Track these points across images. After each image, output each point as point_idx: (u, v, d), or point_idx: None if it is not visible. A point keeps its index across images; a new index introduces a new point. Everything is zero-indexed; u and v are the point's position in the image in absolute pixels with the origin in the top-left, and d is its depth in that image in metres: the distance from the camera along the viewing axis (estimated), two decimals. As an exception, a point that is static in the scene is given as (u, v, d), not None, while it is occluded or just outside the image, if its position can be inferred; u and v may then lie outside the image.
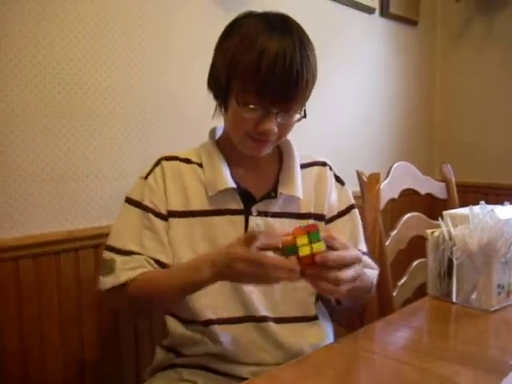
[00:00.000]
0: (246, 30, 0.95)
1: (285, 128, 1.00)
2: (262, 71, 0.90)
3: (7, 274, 1.20)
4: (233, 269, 0.82)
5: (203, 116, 1.09)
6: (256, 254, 0.80)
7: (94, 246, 1.34)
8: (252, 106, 0.94)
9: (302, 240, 0.79)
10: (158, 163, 1.07)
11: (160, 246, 1.02)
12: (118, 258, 1.00)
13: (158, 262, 1.02)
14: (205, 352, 1.02)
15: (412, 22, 2.52)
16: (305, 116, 1.00)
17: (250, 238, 0.82)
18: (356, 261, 0.84)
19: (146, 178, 1.06)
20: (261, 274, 0.80)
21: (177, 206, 1.04)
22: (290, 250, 0.79)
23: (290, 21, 0.98)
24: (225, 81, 0.96)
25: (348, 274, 0.81)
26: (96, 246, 1.34)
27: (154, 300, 1.00)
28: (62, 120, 1.29)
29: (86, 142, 1.33)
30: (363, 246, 1.13)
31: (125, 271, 0.98)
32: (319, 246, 0.79)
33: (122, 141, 1.41)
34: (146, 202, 1.04)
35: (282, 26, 0.95)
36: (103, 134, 1.37)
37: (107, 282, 1.00)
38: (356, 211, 1.15)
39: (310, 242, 0.79)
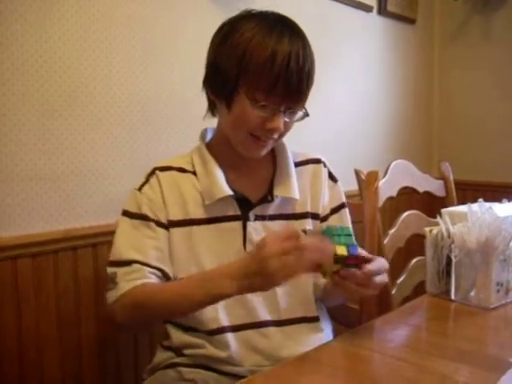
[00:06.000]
0: (255, 28, 0.94)
1: (288, 126, 1.00)
2: (276, 68, 0.91)
3: (5, 272, 1.20)
4: (264, 267, 0.81)
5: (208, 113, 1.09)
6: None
7: (92, 244, 1.34)
8: (263, 103, 0.94)
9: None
10: (152, 173, 1.05)
11: (164, 254, 1.01)
12: (119, 270, 0.99)
13: (162, 271, 1.01)
14: (206, 354, 1.02)
15: (410, 21, 2.52)
16: (307, 114, 1.00)
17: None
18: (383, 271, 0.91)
19: (140, 189, 1.04)
20: (293, 263, 0.81)
21: (176, 215, 1.03)
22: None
23: (292, 22, 1.00)
24: (234, 76, 0.94)
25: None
26: (94, 245, 1.34)
27: (157, 312, 0.98)
28: (59, 118, 1.28)
29: (83, 141, 1.33)
30: None
31: (127, 282, 0.98)
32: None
33: (121, 139, 1.40)
34: (146, 212, 1.02)
35: (288, 27, 0.96)
36: (101, 133, 1.36)
37: (111, 296, 1.00)
38: (346, 210, 1.15)
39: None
